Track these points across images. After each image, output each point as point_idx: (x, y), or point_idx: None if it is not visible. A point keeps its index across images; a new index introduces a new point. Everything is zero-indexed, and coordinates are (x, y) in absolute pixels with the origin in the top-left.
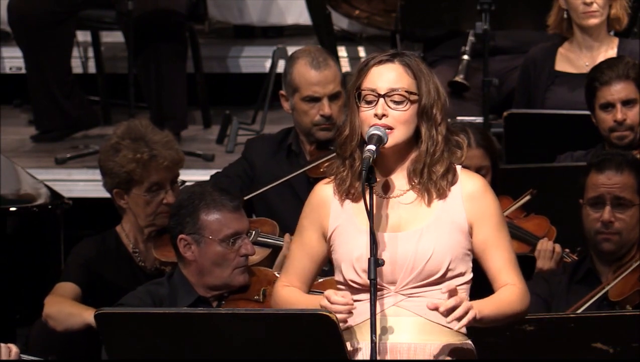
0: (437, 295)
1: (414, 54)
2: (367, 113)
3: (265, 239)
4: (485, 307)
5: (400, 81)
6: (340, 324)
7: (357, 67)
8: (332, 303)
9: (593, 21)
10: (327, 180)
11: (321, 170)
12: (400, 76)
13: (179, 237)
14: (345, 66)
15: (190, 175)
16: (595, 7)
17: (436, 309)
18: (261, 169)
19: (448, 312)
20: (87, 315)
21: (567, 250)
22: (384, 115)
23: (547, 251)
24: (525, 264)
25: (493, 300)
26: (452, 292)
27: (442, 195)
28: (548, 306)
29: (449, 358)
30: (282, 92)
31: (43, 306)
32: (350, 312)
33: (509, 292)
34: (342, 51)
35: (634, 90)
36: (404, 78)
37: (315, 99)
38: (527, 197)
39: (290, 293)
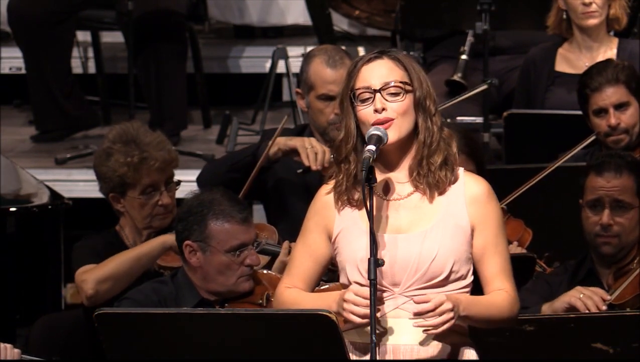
0: None
1: (399, 50)
2: (366, 111)
3: (271, 248)
4: (474, 305)
5: (392, 74)
6: (346, 325)
7: (347, 71)
8: (357, 304)
9: (592, 22)
10: (330, 188)
11: None
12: (391, 70)
13: (185, 242)
14: None
15: (190, 176)
16: (594, 7)
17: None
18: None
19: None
20: (164, 238)
21: (534, 256)
22: (383, 108)
23: None
24: (525, 264)
25: (484, 301)
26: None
27: (442, 190)
28: None
29: (449, 358)
30: (298, 89)
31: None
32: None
33: (501, 298)
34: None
35: (625, 93)
36: (396, 71)
37: (330, 98)
38: (592, 138)
39: (294, 294)
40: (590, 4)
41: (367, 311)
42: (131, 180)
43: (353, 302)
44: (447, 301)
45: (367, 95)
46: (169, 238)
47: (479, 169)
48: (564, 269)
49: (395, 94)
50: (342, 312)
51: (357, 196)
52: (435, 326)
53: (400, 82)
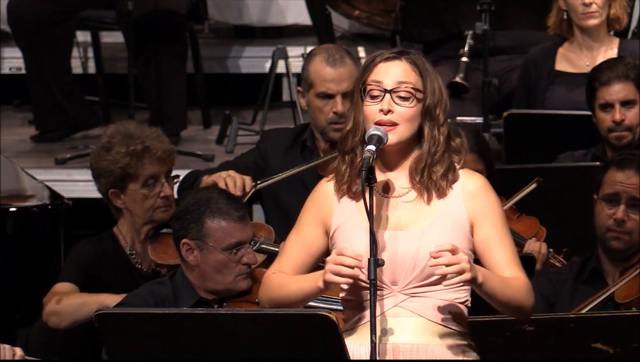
0: (439, 295)
1: (420, 53)
2: (371, 108)
3: (268, 247)
4: (492, 277)
5: (406, 78)
6: (346, 325)
7: (363, 63)
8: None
9: (592, 22)
10: (331, 177)
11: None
12: (406, 73)
13: (182, 241)
14: None
15: None
16: (594, 7)
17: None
18: (273, 161)
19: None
20: (104, 298)
21: (551, 250)
22: (389, 110)
23: (533, 252)
24: (525, 264)
25: (502, 278)
26: (454, 251)
27: (441, 194)
28: (551, 306)
29: (450, 358)
30: (299, 88)
31: (42, 306)
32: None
33: (518, 282)
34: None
35: (633, 91)
36: (411, 75)
37: (328, 96)
38: (533, 186)
39: (279, 277)
40: (591, 4)
41: (349, 271)
42: (134, 170)
43: (334, 262)
44: (466, 257)
45: (377, 92)
46: (110, 299)
47: (489, 169)
48: (569, 267)
49: (405, 98)
50: (327, 277)
51: (355, 188)
52: (452, 272)
53: (412, 87)
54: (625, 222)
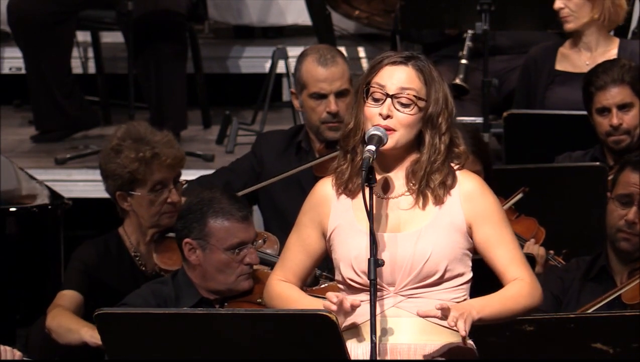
0: (436, 295)
1: (428, 60)
2: (372, 110)
3: (268, 257)
4: (487, 306)
5: (410, 84)
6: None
7: (371, 62)
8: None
9: (568, 26)
10: (328, 178)
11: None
12: (411, 79)
13: (185, 240)
14: None
15: (190, 176)
16: (566, 12)
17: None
18: (270, 165)
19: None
20: (84, 332)
21: (551, 252)
22: (388, 116)
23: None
24: None
25: (497, 297)
26: (444, 311)
27: (439, 201)
28: (559, 304)
29: (448, 358)
30: (292, 89)
31: (44, 310)
32: (348, 310)
33: (517, 288)
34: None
35: (629, 94)
36: (415, 82)
37: (321, 96)
38: (520, 195)
39: (286, 289)
40: (560, 9)
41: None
42: (142, 176)
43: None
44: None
45: (378, 95)
46: (87, 333)
47: (486, 170)
48: (577, 265)
49: (406, 105)
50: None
51: (352, 185)
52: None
53: (415, 95)
54: (636, 224)
